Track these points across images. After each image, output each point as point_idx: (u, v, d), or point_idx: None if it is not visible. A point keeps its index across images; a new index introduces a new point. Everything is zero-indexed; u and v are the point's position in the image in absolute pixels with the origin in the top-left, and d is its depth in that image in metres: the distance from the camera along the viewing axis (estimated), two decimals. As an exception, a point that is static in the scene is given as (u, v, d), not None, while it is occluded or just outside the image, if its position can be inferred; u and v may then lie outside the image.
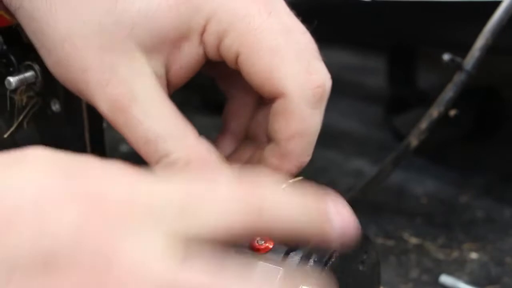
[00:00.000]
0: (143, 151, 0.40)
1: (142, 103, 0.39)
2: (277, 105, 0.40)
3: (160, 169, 0.39)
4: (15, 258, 0.27)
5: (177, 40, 0.39)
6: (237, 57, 0.39)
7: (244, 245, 0.38)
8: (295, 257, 0.37)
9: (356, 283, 0.40)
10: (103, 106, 0.39)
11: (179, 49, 0.40)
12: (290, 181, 0.42)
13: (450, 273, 0.54)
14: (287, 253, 0.37)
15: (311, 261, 0.37)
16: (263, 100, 0.44)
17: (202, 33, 0.39)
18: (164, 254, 0.27)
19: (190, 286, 0.27)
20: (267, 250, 0.37)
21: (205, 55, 0.40)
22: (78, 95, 0.40)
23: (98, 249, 0.27)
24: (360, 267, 0.40)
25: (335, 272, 0.38)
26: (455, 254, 0.58)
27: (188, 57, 0.40)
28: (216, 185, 0.30)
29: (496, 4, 0.51)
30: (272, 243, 0.38)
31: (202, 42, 0.39)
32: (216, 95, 0.85)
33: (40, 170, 0.29)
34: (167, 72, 0.40)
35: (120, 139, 0.75)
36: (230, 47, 0.39)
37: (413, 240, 0.59)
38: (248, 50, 0.39)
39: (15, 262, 0.27)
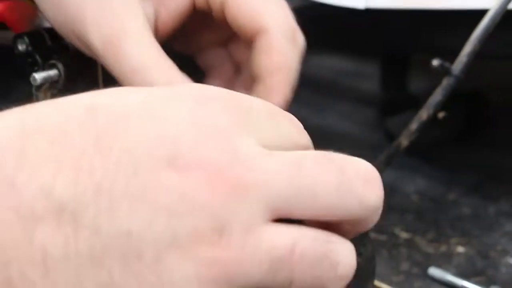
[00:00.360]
0: (130, 82, 0.41)
1: (133, 38, 0.40)
2: (259, 44, 0.42)
3: None
4: (137, 155, 0.26)
5: None
6: (223, 3, 0.42)
7: None
8: None
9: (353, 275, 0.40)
10: (96, 43, 0.40)
11: None
12: None
13: (439, 265, 0.54)
14: None
15: None
16: (240, 70, 0.46)
17: None
18: (266, 152, 0.28)
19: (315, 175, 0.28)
20: None
21: (193, 4, 0.42)
22: (77, 42, 0.42)
23: (219, 145, 0.27)
24: (358, 260, 0.40)
25: None
26: (443, 248, 0.58)
27: (176, 3, 0.42)
28: None
29: (483, 13, 0.52)
30: None
31: None
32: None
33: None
34: (156, 19, 0.42)
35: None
36: None
37: (404, 235, 0.60)
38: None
39: (138, 158, 0.26)
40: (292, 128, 0.31)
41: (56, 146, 0.26)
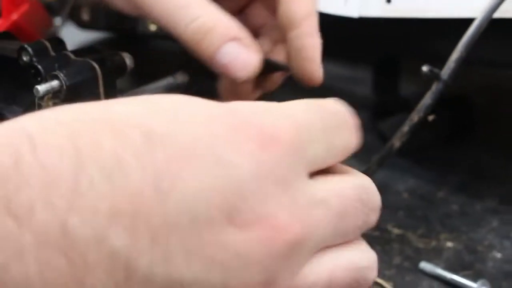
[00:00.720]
0: (175, 16, 0.40)
1: None
2: None
3: (189, 34, 0.40)
4: (197, 205, 0.25)
5: None
6: None
7: None
8: None
9: None
10: None
11: None
12: None
13: (429, 260, 0.55)
14: None
15: None
16: (259, 35, 0.47)
17: None
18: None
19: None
20: None
21: None
22: None
23: (279, 200, 0.27)
24: None
25: None
26: (433, 243, 0.58)
27: None
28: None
29: (470, 22, 0.52)
30: None
31: None
32: (217, 100, 0.85)
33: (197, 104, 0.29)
34: None
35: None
36: None
37: (396, 231, 0.60)
38: None
39: (197, 208, 0.25)
40: (344, 135, 0.34)
41: (111, 181, 0.25)
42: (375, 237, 0.59)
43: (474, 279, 0.52)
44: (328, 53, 1.01)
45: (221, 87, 0.53)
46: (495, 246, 0.58)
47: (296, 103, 0.32)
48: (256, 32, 0.48)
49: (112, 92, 0.46)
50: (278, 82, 0.53)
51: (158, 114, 0.27)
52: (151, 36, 0.76)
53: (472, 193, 0.66)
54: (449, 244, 0.58)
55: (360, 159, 0.74)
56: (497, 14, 0.52)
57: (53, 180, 0.24)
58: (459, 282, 0.52)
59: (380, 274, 0.53)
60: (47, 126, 0.26)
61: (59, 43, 0.47)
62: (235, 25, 0.41)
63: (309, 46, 0.45)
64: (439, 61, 0.53)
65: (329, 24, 0.62)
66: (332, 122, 0.33)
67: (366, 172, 0.55)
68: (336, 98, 0.36)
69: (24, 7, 0.66)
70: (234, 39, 0.41)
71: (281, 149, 0.28)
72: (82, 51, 0.47)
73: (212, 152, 0.26)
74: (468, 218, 0.62)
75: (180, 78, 0.55)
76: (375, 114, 0.81)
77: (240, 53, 0.41)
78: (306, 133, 0.30)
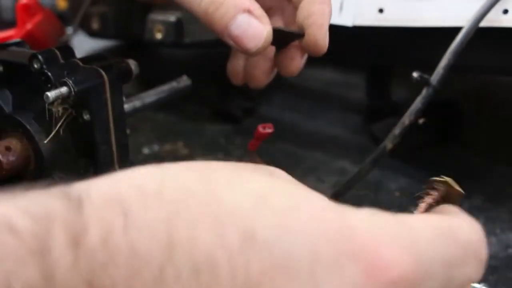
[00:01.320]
0: None
1: None
2: None
3: (202, 7, 0.40)
4: None
5: None
6: None
7: None
8: None
9: None
10: None
11: None
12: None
13: (419, 255, 0.54)
14: None
15: None
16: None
17: None
18: None
19: None
20: None
21: None
22: None
23: None
24: None
25: None
26: (423, 239, 0.58)
27: None
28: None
29: (457, 30, 0.52)
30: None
31: None
32: (222, 106, 0.85)
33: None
34: None
35: (142, 142, 0.75)
36: None
37: (388, 228, 0.59)
38: None
39: None
40: (467, 269, 0.28)
41: (198, 279, 0.22)
42: (368, 234, 0.58)
43: (462, 274, 0.51)
44: (324, 60, 1.01)
45: (234, 67, 0.51)
46: (481, 242, 0.57)
47: (425, 223, 0.28)
48: (294, 7, 0.47)
49: (118, 97, 0.46)
50: (299, 65, 0.50)
51: (264, 210, 0.24)
52: (157, 44, 0.76)
53: (460, 192, 0.65)
54: (438, 240, 0.58)
55: (353, 160, 0.74)
56: (483, 23, 0.52)
57: (140, 264, 0.22)
58: (448, 276, 0.52)
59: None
60: (146, 202, 0.23)
61: (68, 51, 0.46)
62: None
63: (317, 12, 0.43)
64: (429, 67, 0.53)
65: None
66: (459, 256, 0.27)
67: (360, 172, 0.55)
68: (474, 221, 0.30)
69: (38, 17, 0.66)
70: (246, 10, 0.40)
71: (391, 285, 0.24)
72: (90, 58, 0.46)
73: (311, 273, 0.23)
74: (456, 216, 0.61)
75: (183, 82, 0.55)
76: (368, 117, 0.81)
77: (251, 24, 0.40)
78: (426, 269, 0.25)
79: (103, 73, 0.45)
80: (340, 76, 0.98)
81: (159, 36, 0.74)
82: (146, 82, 0.76)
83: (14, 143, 0.44)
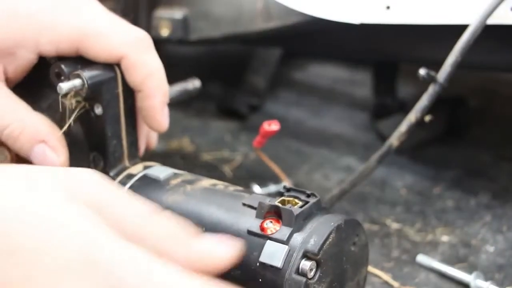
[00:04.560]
0: None
1: None
2: (124, 67, 0.44)
3: (4, 139, 0.43)
4: None
5: (12, 48, 0.43)
6: (77, 50, 0.44)
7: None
8: (298, 238, 0.37)
9: (349, 261, 0.40)
10: None
11: (15, 55, 0.44)
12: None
13: (425, 253, 0.54)
14: (291, 234, 0.37)
15: (312, 240, 0.37)
16: None
17: (36, 46, 0.44)
18: None
19: None
20: (274, 232, 0.38)
21: (38, 56, 0.44)
22: None
23: None
24: (352, 248, 0.40)
25: (333, 250, 0.38)
26: (430, 237, 0.58)
27: (22, 60, 0.44)
28: None
29: (464, 28, 0.51)
30: (279, 225, 0.38)
31: (37, 51, 0.44)
32: (228, 103, 0.85)
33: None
34: (5, 73, 0.44)
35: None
36: (71, 45, 0.44)
37: (394, 225, 0.59)
38: (86, 41, 0.43)
39: None
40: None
41: None
42: (374, 231, 0.58)
43: (469, 271, 0.51)
44: (330, 58, 1.01)
45: None
46: (488, 240, 0.57)
47: None
48: None
49: (130, 93, 0.46)
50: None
51: None
52: (163, 41, 0.76)
53: (467, 189, 0.65)
54: (445, 238, 0.57)
55: (359, 157, 0.74)
56: (490, 21, 0.51)
57: None
58: (454, 274, 0.51)
59: (379, 266, 0.53)
60: None
61: None
62: (44, 128, 0.44)
63: (148, 107, 0.46)
64: (435, 64, 0.53)
65: (332, 30, 0.62)
66: None
67: (366, 169, 0.55)
68: None
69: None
70: (42, 141, 0.44)
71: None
72: None
73: None
74: (462, 213, 0.61)
75: (193, 84, 0.55)
76: (374, 114, 0.80)
77: (46, 155, 0.44)
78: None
79: (116, 67, 0.45)
80: (346, 73, 0.98)
81: (165, 33, 0.74)
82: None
83: None
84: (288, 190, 0.40)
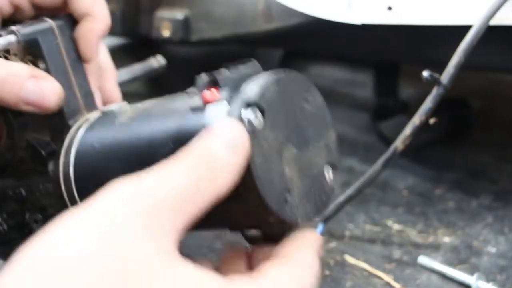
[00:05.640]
0: None
1: None
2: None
3: None
4: None
5: None
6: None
7: None
8: (237, 94, 0.36)
9: (304, 118, 0.38)
10: None
11: None
12: None
13: (427, 254, 0.54)
14: (229, 94, 0.37)
15: (250, 91, 0.36)
16: None
17: None
18: None
19: None
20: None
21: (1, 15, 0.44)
22: None
23: None
24: (305, 105, 0.38)
25: (277, 99, 0.36)
26: (431, 238, 0.58)
27: None
28: None
29: (468, 28, 0.51)
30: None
31: None
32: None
33: None
34: None
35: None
36: None
37: (396, 227, 0.59)
38: None
39: None
40: None
41: None
42: (376, 233, 0.58)
43: (470, 273, 0.51)
44: (331, 58, 1.01)
45: None
46: (490, 241, 0.57)
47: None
48: None
49: (70, 44, 0.46)
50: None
51: None
52: (164, 41, 0.76)
53: (468, 191, 0.65)
54: (446, 239, 0.57)
55: (361, 158, 0.74)
56: (493, 22, 0.51)
57: None
58: (456, 275, 0.51)
59: (381, 267, 0.53)
60: None
61: None
62: (26, 66, 0.43)
63: (90, 30, 0.46)
64: (438, 66, 0.52)
65: (333, 30, 0.62)
66: None
67: (371, 174, 0.54)
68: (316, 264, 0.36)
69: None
70: (32, 76, 0.42)
71: None
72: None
73: None
74: (464, 214, 0.61)
75: (158, 62, 0.55)
76: (375, 115, 0.80)
77: (42, 85, 0.42)
78: None
79: (50, 19, 0.45)
80: (347, 74, 0.97)
81: (166, 33, 0.73)
82: (154, 80, 0.76)
83: None
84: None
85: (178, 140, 0.37)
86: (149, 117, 0.41)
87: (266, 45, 0.81)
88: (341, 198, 0.54)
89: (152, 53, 0.68)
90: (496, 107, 0.87)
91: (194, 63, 0.98)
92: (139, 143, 0.40)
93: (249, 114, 0.35)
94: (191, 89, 0.40)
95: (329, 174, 0.40)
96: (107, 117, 0.44)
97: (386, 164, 0.53)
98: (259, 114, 0.35)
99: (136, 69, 0.55)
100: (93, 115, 0.45)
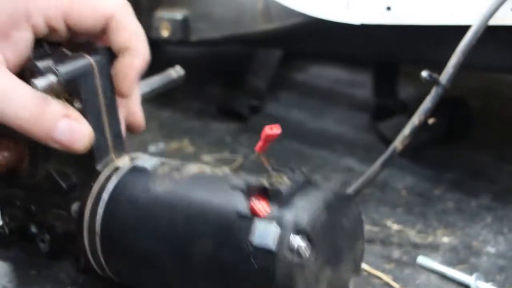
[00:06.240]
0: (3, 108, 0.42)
1: None
2: (112, 27, 0.45)
3: (22, 120, 0.42)
4: None
5: (6, 31, 0.42)
6: (64, 15, 0.44)
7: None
8: (288, 216, 0.37)
9: (342, 236, 0.39)
10: None
11: (10, 38, 0.43)
12: None
13: (426, 254, 0.54)
14: (281, 213, 0.37)
15: (303, 217, 0.36)
16: None
17: (27, 19, 0.43)
18: None
19: None
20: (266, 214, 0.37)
21: (36, 34, 0.44)
22: None
23: None
24: (344, 222, 0.39)
25: (324, 225, 0.37)
26: (430, 238, 0.58)
27: (21, 40, 0.43)
28: None
29: (465, 28, 0.51)
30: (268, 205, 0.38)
31: (30, 24, 0.43)
32: (228, 104, 0.85)
33: None
34: (7, 60, 0.43)
35: (148, 140, 0.75)
36: (59, 10, 0.44)
37: (395, 227, 0.59)
38: (74, 4, 0.44)
39: None
40: None
41: None
42: (375, 233, 0.58)
43: (469, 273, 0.51)
44: (331, 58, 1.01)
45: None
46: (489, 241, 0.57)
47: None
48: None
49: (108, 83, 0.45)
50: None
51: None
52: (163, 41, 0.76)
53: (467, 191, 0.65)
54: (446, 239, 0.57)
55: (360, 158, 0.74)
56: (492, 22, 0.51)
57: None
58: (455, 276, 0.51)
59: (380, 268, 0.53)
60: None
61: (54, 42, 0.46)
62: (62, 105, 0.43)
63: (129, 65, 0.46)
64: (436, 66, 0.52)
65: (333, 31, 0.62)
66: None
67: (371, 174, 0.54)
68: None
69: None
70: (65, 116, 0.42)
71: None
72: (76, 46, 0.46)
73: None
74: (463, 215, 0.61)
75: (177, 72, 0.55)
76: (375, 115, 0.80)
77: (74, 127, 0.42)
78: None
79: (91, 59, 0.44)
80: (346, 74, 0.97)
81: (165, 34, 0.74)
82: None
83: (7, 140, 0.44)
84: (275, 169, 0.40)
85: (220, 243, 0.38)
86: (189, 200, 0.41)
87: (266, 45, 0.81)
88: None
89: (150, 53, 0.68)
90: (495, 107, 0.87)
91: (194, 63, 0.98)
92: (176, 228, 0.40)
93: (298, 241, 0.36)
94: (236, 179, 0.40)
95: (352, 283, 0.41)
96: (140, 176, 0.44)
97: (385, 164, 0.53)
98: (307, 241, 0.36)
99: (155, 81, 0.55)
100: (123, 163, 0.45)
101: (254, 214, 0.37)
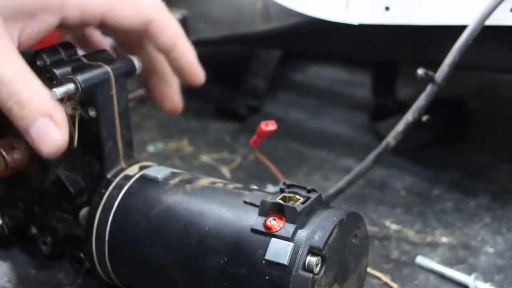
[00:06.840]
0: None
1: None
2: (153, 30, 0.47)
3: (8, 106, 0.41)
4: None
5: (34, 11, 0.43)
6: (103, 16, 0.45)
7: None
8: (302, 234, 0.37)
9: (351, 254, 0.40)
10: None
11: (35, 18, 0.43)
12: None
13: (425, 254, 0.54)
14: (295, 231, 0.37)
15: (316, 236, 0.37)
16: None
17: (61, 9, 0.43)
18: None
19: None
20: (279, 229, 0.38)
21: (62, 24, 0.44)
22: None
23: None
24: (354, 240, 0.40)
25: (336, 244, 0.38)
26: (429, 238, 0.58)
27: (42, 24, 0.43)
28: None
29: (463, 28, 0.51)
30: (283, 222, 0.38)
31: (61, 15, 0.44)
32: (227, 104, 0.85)
33: None
34: (19, 37, 0.43)
35: (147, 140, 0.75)
36: (98, 10, 0.45)
37: (394, 227, 0.59)
38: (115, 4, 0.45)
39: None
40: None
41: None
42: (373, 233, 0.58)
43: (468, 273, 0.51)
44: (329, 58, 1.01)
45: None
46: (488, 241, 0.57)
47: None
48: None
49: (123, 94, 0.46)
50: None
51: None
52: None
53: (466, 191, 0.65)
54: (444, 239, 0.57)
55: (359, 158, 0.74)
56: (489, 21, 0.51)
57: None
58: (454, 275, 0.51)
59: (379, 268, 0.53)
60: None
61: (70, 48, 0.46)
62: (52, 103, 0.42)
63: (186, 63, 0.49)
64: (435, 65, 0.53)
65: (331, 31, 0.62)
66: None
67: (362, 168, 0.55)
68: None
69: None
70: (47, 115, 0.41)
71: None
72: (93, 55, 0.46)
73: None
74: (462, 215, 0.61)
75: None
76: (374, 115, 0.80)
77: (50, 130, 0.41)
78: None
79: (109, 69, 0.45)
80: (345, 74, 0.97)
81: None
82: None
83: (19, 141, 0.44)
84: (288, 186, 0.40)
85: (233, 258, 0.38)
86: (202, 214, 0.41)
87: (265, 45, 0.81)
88: (332, 190, 0.54)
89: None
90: (494, 107, 0.87)
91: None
92: (188, 240, 0.40)
93: (312, 259, 0.37)
94: (250, 195, 0.41)
95: None
96: (151, 186, 0.44)
97: (377, 159, 0.53)
98: (320, 259, 0.37)
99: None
100: (134, 172, 0.45)
101: (268, 230, 0.38)
